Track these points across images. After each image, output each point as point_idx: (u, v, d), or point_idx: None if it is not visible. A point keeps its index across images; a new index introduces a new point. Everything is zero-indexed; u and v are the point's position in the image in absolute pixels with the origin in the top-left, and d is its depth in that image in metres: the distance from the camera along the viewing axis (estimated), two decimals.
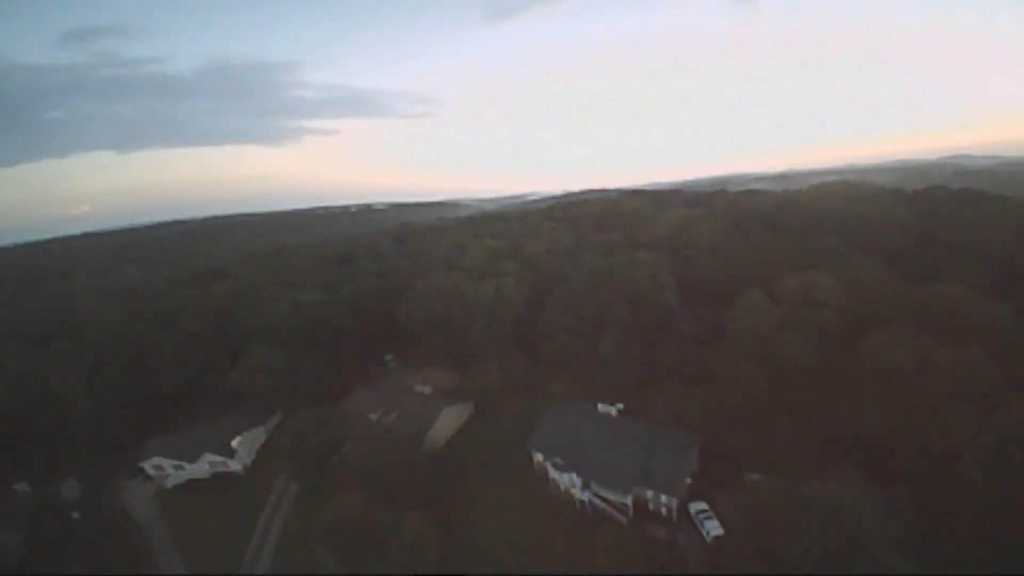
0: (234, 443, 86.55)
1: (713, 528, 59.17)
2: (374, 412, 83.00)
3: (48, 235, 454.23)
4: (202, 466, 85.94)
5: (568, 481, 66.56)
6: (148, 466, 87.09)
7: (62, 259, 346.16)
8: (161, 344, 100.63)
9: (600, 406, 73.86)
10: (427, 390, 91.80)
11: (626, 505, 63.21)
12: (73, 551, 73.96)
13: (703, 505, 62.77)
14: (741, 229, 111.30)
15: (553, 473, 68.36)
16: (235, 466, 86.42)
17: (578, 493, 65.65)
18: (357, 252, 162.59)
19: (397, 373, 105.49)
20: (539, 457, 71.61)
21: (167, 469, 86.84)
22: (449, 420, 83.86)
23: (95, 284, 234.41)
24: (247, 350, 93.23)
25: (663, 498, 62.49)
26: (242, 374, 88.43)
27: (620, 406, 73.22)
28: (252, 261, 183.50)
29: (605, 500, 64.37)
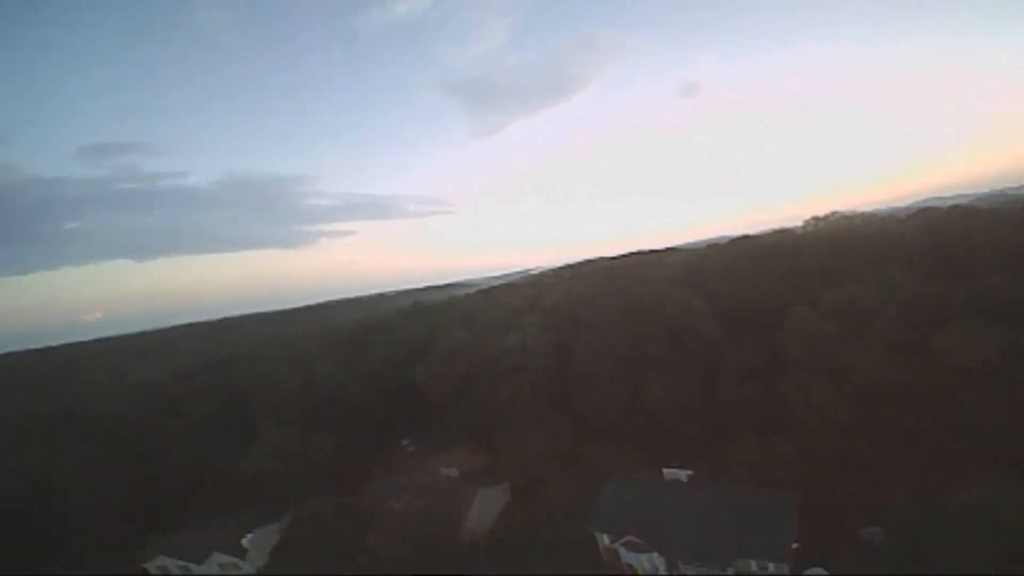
0: (245, 542, 71.93)
1: None
2: (398, 500, 68.18)
3: (59, 342, 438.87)
4: (211, 568, 71.38)
5: (649, 565, 51.70)
6: (152, 567, 72.88)
7: (71, 361, 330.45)
8: (167, 430, 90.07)
9: (666, 472, 59.78)
10: (454, 472, 77.28)
11: None
12: None
13: (819, 571, 47.89)
14: (755, 259, 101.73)
15: (627, 557, 53.30)
16: (248, 568, 71.11)
17: None
18: (370, 330, 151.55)
19: (417, 457, 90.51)
20: (605, 540, 56.50)
21: (172, 571, 72.62)
22: (487, 504, 68.48)
23: (102, 381, 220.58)
24: (260, 434, 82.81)
25: (771, 567, 47.82)
26: (256, 460, 77.21)
27: (689, 472, 59.17)
28: (264, 351, 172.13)
29: None
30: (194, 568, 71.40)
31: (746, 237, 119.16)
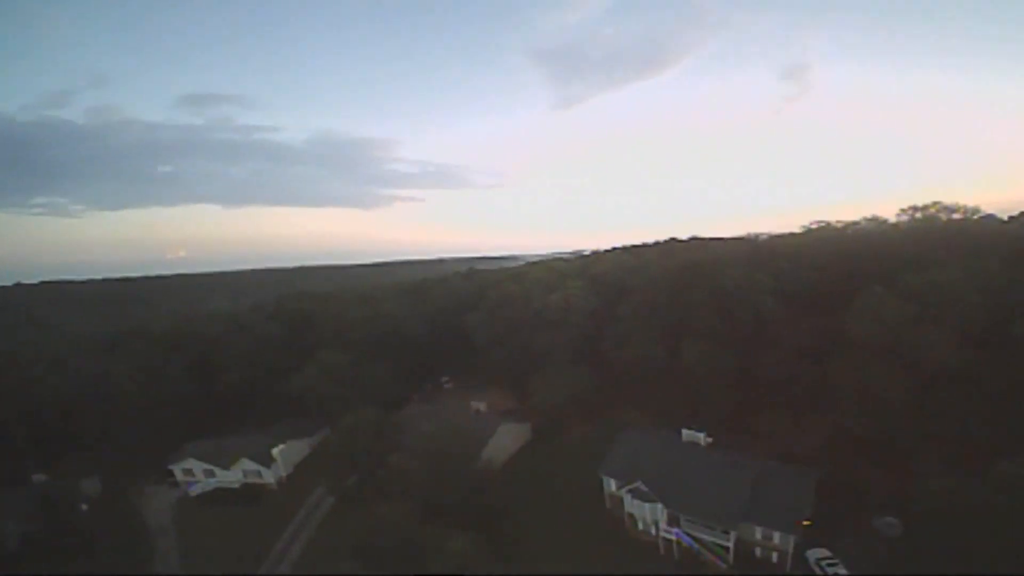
0: (274, 451, 78.12)
1: None
2: (427, 423, 73.25)
3: (142, 274, 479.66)
4: (235, 474, 77.49)
5: (651, 515, 52.46)
6: (178, 470, 79.89)
7: (152, 293, 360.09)
8: (231, 345, 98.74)
9: (685, 432, 59.89)
10: (483, 407, 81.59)
11: (726, 548, 48.46)
12: (69, 549, 66.48)
13: (825, 552, 46.85)
14: (834, 243, 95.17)
15: (630, 506, 54.40)
16: (269, 477, 77.22)
17: (663, 530, 51.72)
18: (429, 284, 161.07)
19: (453, 393, 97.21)
20: (612, 486, 58.00)
21: (197, 474, 79.19)
22: (506, 439, 72.40)
23: (178, 308, 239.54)
24: (316, 355, 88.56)
25: (776, 538, 47.14)
26: (308, 377, 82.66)
27: (708, 438, 58.77)
28: (334, 290, 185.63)
29: (698, 541, 49.96)
30: (219, 472, 77.58)
31: (827, 224, 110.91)
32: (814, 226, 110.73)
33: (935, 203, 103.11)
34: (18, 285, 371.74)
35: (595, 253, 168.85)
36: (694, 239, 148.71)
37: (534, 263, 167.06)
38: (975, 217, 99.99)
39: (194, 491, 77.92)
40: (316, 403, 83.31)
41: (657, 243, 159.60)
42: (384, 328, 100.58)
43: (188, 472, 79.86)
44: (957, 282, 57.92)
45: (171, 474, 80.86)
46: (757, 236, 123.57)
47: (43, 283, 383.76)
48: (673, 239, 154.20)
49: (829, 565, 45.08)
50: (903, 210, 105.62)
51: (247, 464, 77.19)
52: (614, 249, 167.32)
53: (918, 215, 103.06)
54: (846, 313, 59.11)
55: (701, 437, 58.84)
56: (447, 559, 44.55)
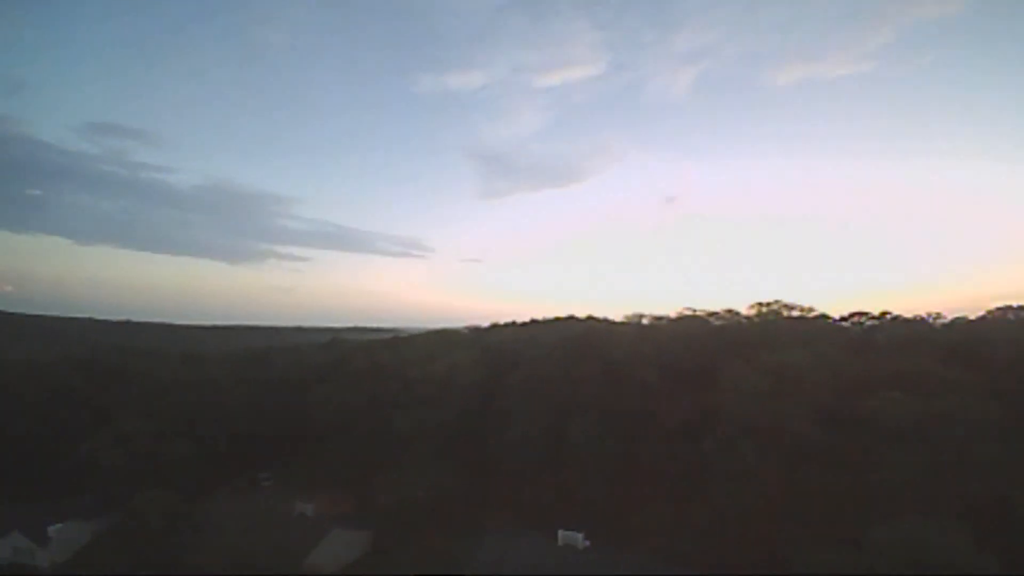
0: (51, 530, 61.76)
1: None
2: (235, 523, 57.27)
3: None
4: (3, 550, 62.11)
5: None
6: None
7: None
8: (19, 393, 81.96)
9: (561, 535, 52.71)
10: (310, 511, 66.31)
11: None
12: None
13: None
14: (705, 328, 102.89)
15: None
16: (42, 560, 60.72)
17: None
18: (275, 353, 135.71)
19: (274, 495, 76.16)
20: None
21: None
22: (339, 546, 57.60)
23: None
24: (115, 419, 73.80)
25: None
26: (99, 445, 68.20)
27: (587, 542, 52.37)
28: (160, 348, 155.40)
29: None
30: None
31: (695, 312, 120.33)
32: (686, 313, 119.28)
33: (777, 301, 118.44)
34: None
35: (492, 326, 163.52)
36: (590, 318, 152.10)
37: (422, 334, 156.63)
38: (811, 315, 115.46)
39: None
40: (105, 479, 68.69)
41: (557, 319, 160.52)
42: (203, 398, 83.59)
43: None
44: (804, 361, 62.62)
45: None
46: (640, 317, 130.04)
47: None
48: (572, 316, 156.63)
49: None
50: (751, 306, 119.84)
51: (18, 540, 61.57)
52: (512, 323, 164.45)
53: (764, 309, 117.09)
54: (715, 389, 60.21)
55: (579, 539, 52.01)
56: None
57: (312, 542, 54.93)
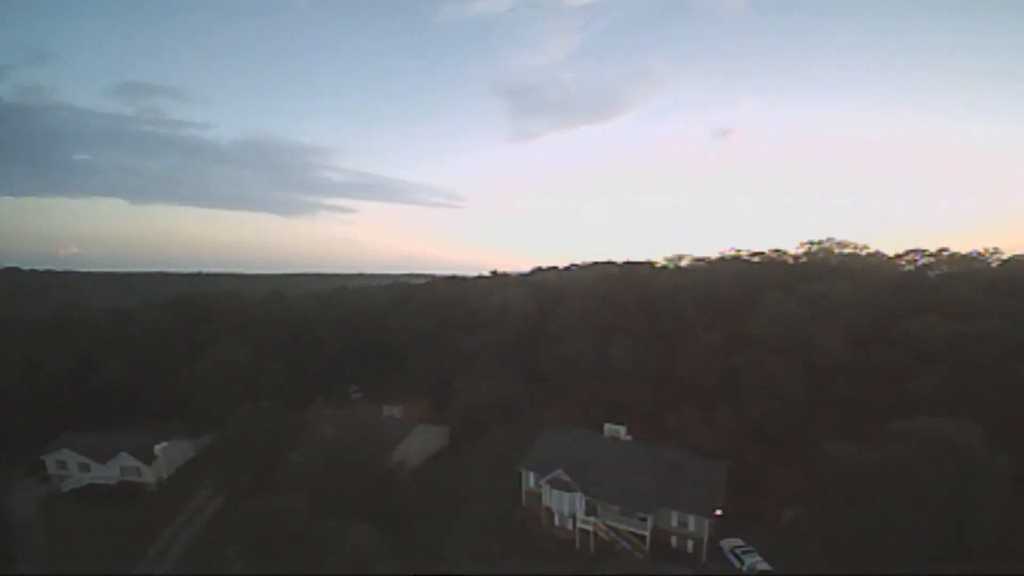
0: (157, 448, 69.89)
1: (756, 563, 44.21)
2: (330, 428, 67.74)
3: (29, 267, 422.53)
4: (112, 470, 68.96)
5: (568, 506, 51.37)
6: (51, 461, 69.94)
7: (38, 287, 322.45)
8: (119, 335, 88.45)
9: (607, 427, 60.06)
10: (397, 413, 76.95)
11: (642, 538, 48.21)
12: None
13: (738, 541, 47.93)
14: (744, 266, 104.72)
15: (548, 499, 53.03)
16: (149, 476, 68.94)
17: (580, 521, 50.57)
18: (347, 293, 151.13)
19: (363, 404, 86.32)
20: (531, 480, 56.42)
21: (71, 468, 69.56)
22: (421, 442, 68.59)
23: (56, 304, 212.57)
24: (213, 349, 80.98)
25: (691, 524, 47.87)
26: (201, 371, 75.59)
27: (628, 435, 58.96)
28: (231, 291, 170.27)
29: (615, 530, 49.32)
30: (94, 467, 69.09)
31: (739, 253, 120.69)
32: (729, 253, 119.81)
33: (829, 239, 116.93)
34: None
35: (535, 270, 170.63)
36: (628, 263, 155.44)
37: (471, 278, 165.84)
38: (863, 253, 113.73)
39: (65, 486, 68.81)
40: (207, 401, 75.72)
41: (595, 263, 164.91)
42: (291, 328, 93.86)
43: (61, 465, 70.39)
44: (845, 291, 65.12)
45: (42, 467, 70.93)
46: (679, 259, 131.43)
47: None
48: (610, 262, 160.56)
49: (743, 553, 45.92)
50: (802, 244, 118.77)
51: (126, 460, 69.36)
52: (553, 268, 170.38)
53: (815, 247, 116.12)
54: (751, 316, 63.96)
55: (622, 431, 59.23)
56: (344, 553, 40.36)
57: (402, 434, 65.64)
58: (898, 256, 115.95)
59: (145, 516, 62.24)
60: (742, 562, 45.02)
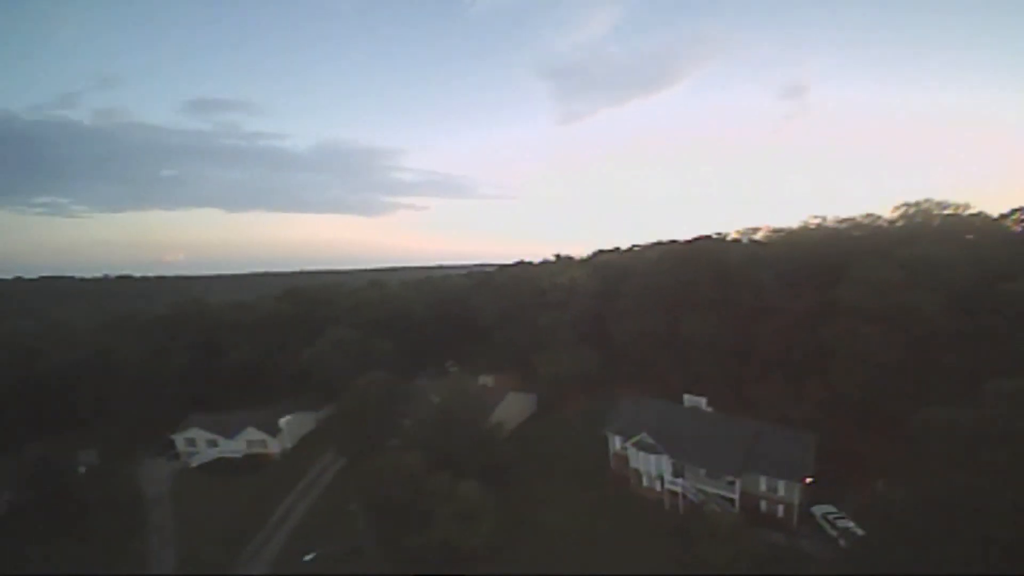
0: (281, 421, 78.49)
1: (849, 527, 43.78)
2: (435, 395, 74.37)
3: (140, 274, 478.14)
4: (238, 444, 77.33)
5: (656, 468, 53.90)
6: (180, 439, 79.18)
7: (150, 291, 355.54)
8: (239, 322, 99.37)
9: (687, 398, 61.32)
10: (490, 383, 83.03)
11: (731, 501, 49.68)
12: (60, 517, 65.00)
13: (830, 508, 48.15)
14: (825, 232, 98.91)
15: (636, 461, 55.88)
16: (274, 447, 77.19)
17: (668, 482, 52.89)
18: (434, 280, 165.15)
19: (460, 376, 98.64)
20: (617, 444, 59.45)
21: (199, 445, 78.61)
22: (513, 407, 74.28)
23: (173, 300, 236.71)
24: (328, 331, 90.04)
25: (781, 489, 48.42)
26: (319, 350, 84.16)
27: (710, 408, 59.77)
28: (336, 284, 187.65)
29: (703, 493, 51.17)
30: (222, 442, 77.50)
31: (824, 219, 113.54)
32: (813, 222, 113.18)
33: (927, 200, 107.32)
34: (17, 279, 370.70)
35: (597, 252, 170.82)
36: (695, 239, 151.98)
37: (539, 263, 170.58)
38: (966, 213, 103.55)
39: (194, 462, 77.53)
40: (324, 377, 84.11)
41: (658, 243, 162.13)
42: (391, 310, 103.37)
43: (190, 442, 79.47)
44: (947, 254, 60.95)
45: (172, 445, 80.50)
46: (754, 231, 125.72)
47: (42, 278, 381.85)
48: (674, 241, 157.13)
49: (836, 519, 45.93)
50: (897, 207, 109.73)
51: (252, 433, 77.32)
52: (616, 249, 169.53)
53: (912, 210, 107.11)
54: (841, 286, 61.02)
55: (703, 402, 60.08)
56: (455, 503, 45.67)
57: (496, 400, 71.55)
58: (1003, 216, 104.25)
59: (270, 484, 69.75)
60: (835, 527, 45.17)
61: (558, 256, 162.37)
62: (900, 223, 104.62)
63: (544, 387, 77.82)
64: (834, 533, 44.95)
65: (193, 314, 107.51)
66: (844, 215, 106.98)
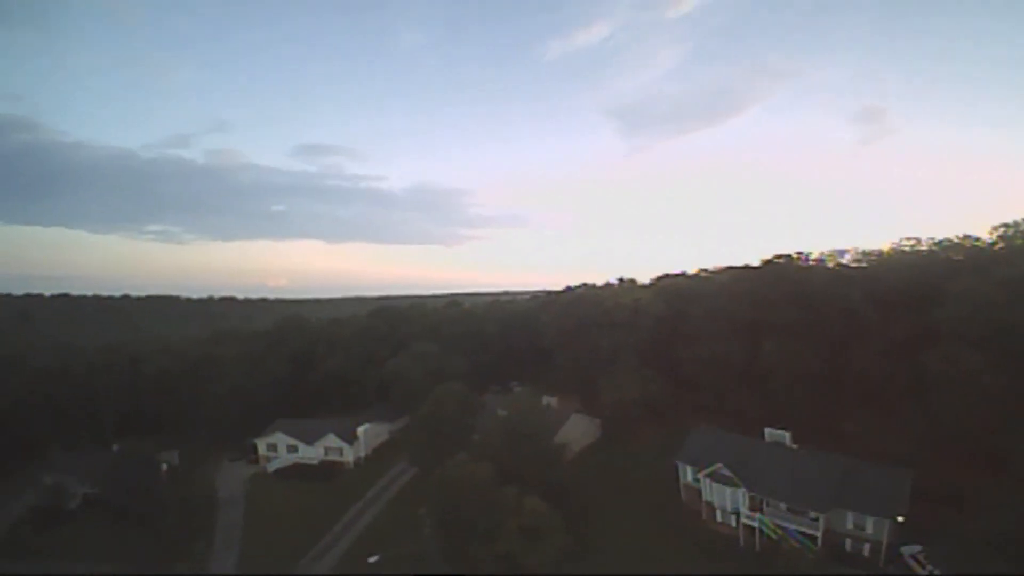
0: (359, 429, 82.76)
1: (934, 569, 39.74)
2: (502, 411, 74.84)
3: (244, 296, 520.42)
4: (316, 450, 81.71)
5: (731, 501, 50.73)
6: (263, 444, 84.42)
7: (253, 312, 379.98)
8: (334, 335, 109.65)
9: (768, 432, 56.25)
10: (554, 403, 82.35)
11: (813, 538, 45.71)
12: (130, 512, 67.40)
13: (916, 548, 42.97)
14: (918, 254, 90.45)
15: (709, 494, 52.89)
16: (349, 455, 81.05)
17: (744, 516, 49.57)
18: (502, 302, 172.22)
19: (524, 394, 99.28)
20: (688, 475, 56.61)
21: (280, 450, 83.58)
22: (577, 430, 73.48)
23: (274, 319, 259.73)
24: (411, 345, 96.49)
25: (869, 527, 44.18)
26: (402, 362, 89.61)
27: (794, 445, 54.40)
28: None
29: (783, 529, 47.53)
30: (301, 448, 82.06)
31: (918, 240, 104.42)
32: (906, 243, 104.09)
33: None
34: (125, 297, 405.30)
35: (662, 276, 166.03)
36: (771, 260, 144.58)
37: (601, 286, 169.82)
38: None
39: (272, 467, 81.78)
40: (403, 389, 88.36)
41: (729, 268, 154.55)
42: (465, 328, 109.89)
43: (272, 447, 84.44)
44: None
45: (252, 450, 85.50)
46: (842, 252, 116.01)
47: (149, 297, 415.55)
48: (746, 266, 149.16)
49: (925, 560, 41.34)
50: (995, 227, 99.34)
51: (330, 440, 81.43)
52: (683, 274, 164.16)
53: (1010, 231, 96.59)
54: (940, 308, 55.21)
55: (786, 437, 54.81)
56: (522, 517, 45.53)
57: (561, 421, 71.39)
58: None
59: (341, 490, 72.73)
60: (924, 568, 40.60)
61: (621, 280, 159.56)
62: (999, 245, 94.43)
63: (608, 411, 75.57)
64: (923, 574, 40.24)
65: (293, 329, 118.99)
66: (937, 237, 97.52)
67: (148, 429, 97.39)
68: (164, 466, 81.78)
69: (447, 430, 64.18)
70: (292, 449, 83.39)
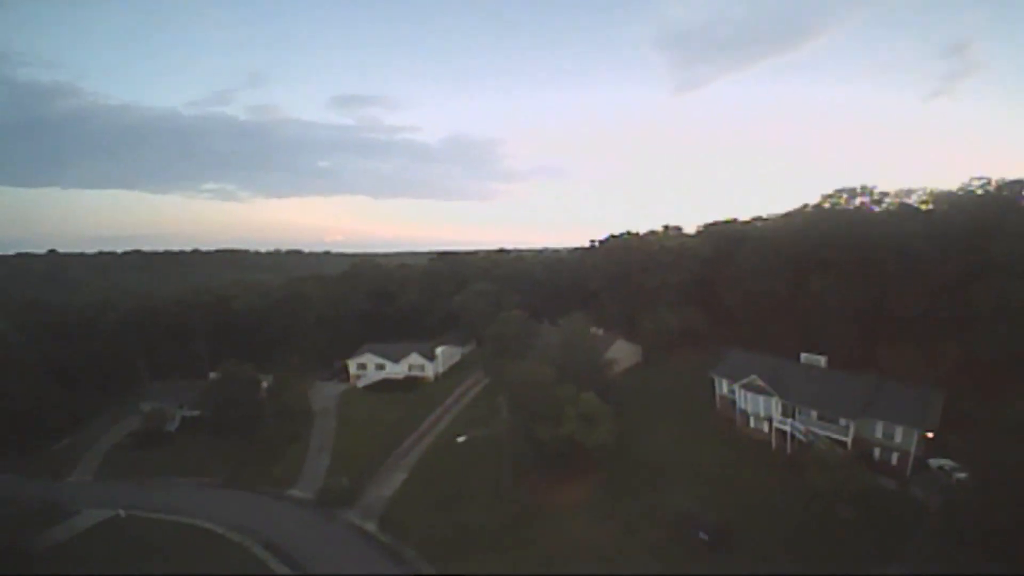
0: (437, 350, 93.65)
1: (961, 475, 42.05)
2: (555, 337, 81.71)
3: (308, 249, 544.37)
4: (401, 367, 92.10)
5: (764, 409, 55.05)
6: (353, 364, 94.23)
7: (317, 264, 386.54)
8: (404, 276, 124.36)
9: (804, 356, 58.58)
10: (600, 332, 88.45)
11: (843, 444, 49.18)
12: (228, 427, 71.28)
13: (948, 461, 45.37)
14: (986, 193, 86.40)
15: (743, 403, 57.38)
16: (429, 371, 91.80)
17: (777, 422, 53.79)
18: (546, 254, 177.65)
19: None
20: (723, 387, 61.21)
21: (368, 368, 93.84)
22: (621, 353, 78.74)
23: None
24: (471, 284, 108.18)
25: (898, 436, 47.16)
26: (466, 297, 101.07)
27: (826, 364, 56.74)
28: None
29: (814, 435, 51.84)
30: (388, 365, 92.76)
31: (988, 180, 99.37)
32: (975, 182, 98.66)
33: None
34: (195, 251, 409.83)
35: (711, 223, 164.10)
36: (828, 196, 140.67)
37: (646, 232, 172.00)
38: None
39: (362, 383, 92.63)
40: (468, 320, 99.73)
41: (785, 215, 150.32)
42: (516, 271, 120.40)
43: (361, 366, 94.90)
44: None
45: (344, 370, 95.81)
46: (908, 192, 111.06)
47: (219, 251, 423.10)
48: (805, 205, 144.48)
49: (953, 471, 43.49)
50: None
51: (414, 358, 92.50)
52: (733, 220, 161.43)
53: None
54: (995, 243, 55.04)
55: (821, 361, 56.90)
56: (580, 406, 52.54)
57: (607, 345, 77.70)
58: None
59: (425, 398, 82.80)
60: (950, 478, 42.94)
61: (666, 227, 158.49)
62: None
63: (649, 340, 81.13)
64: (950, 484, 43.09)
65: (369, 268, 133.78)
66: (1008, 177, 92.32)
67: (240, 360, 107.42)
68: (264, 384, 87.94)
69: (512, 346, 73.45)
70: (380, 367, 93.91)
